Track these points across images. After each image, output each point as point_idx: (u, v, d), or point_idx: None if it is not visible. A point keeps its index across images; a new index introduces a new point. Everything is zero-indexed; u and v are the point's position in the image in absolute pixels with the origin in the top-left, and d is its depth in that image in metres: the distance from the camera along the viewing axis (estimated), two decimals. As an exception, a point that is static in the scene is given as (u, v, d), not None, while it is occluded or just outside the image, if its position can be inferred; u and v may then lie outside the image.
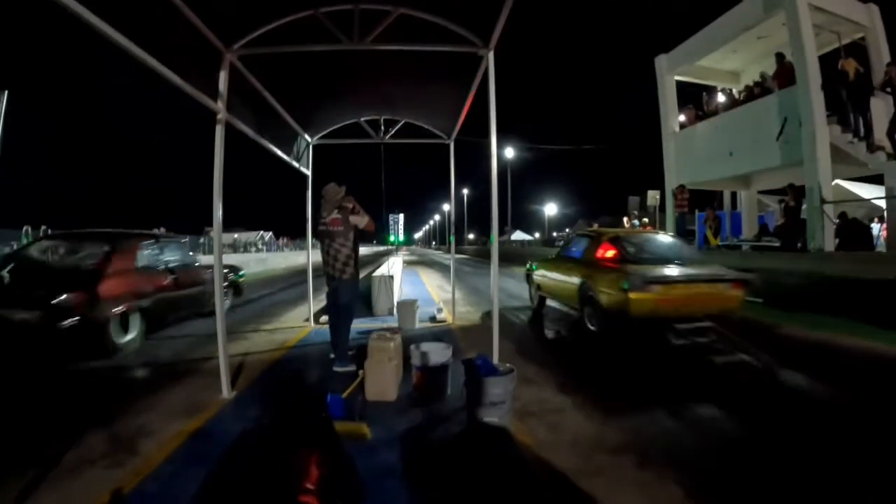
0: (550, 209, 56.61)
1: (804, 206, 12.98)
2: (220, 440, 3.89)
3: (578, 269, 8.66)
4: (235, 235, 49.51)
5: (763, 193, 19.31)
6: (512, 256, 35.45)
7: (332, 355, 6.14)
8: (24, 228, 17.67)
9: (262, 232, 53.42)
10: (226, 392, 4.94)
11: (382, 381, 4.81)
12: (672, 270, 7.23)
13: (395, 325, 8.29)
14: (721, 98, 17.15)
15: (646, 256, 7.84)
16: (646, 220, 21.98)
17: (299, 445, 3.20)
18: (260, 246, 45.32)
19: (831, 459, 3.53)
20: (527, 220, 74.28)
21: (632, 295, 6.74)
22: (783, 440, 3.90)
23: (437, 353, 4.82)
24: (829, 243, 11.78)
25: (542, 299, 10.96)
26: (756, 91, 15.41)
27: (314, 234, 6.10)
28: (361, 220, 6.02)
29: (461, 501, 2.93)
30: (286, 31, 5.27)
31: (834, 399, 4.93)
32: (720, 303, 7.12)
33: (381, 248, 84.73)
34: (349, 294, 6.14)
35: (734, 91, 17.37)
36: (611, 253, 8.10)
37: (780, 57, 13.77)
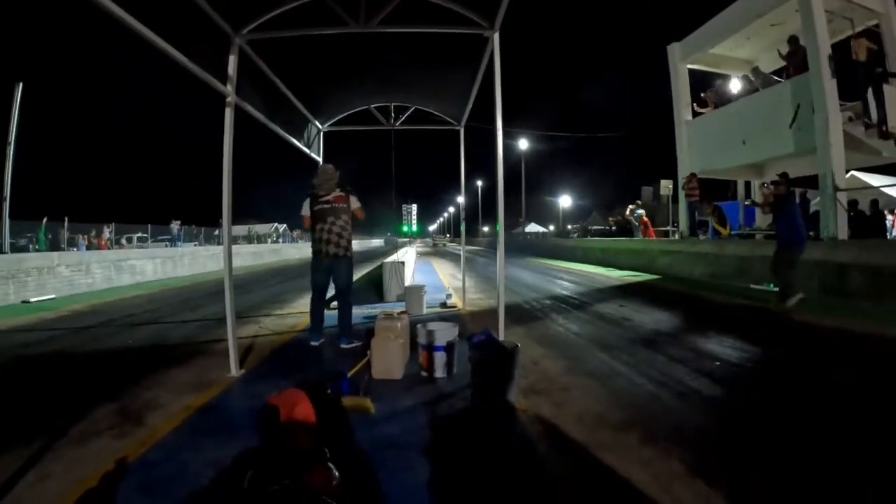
0: (565, 201, 56.25)
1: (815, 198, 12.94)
2: (227, 414, 3.98)
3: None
4: (250, 227, 49.75)
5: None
6: (525, 248, 35.43)
7: (312, 338, 6.30)
8: (44, 220, 18.03)
9: (276, 224, 53.62)
10: (234, 370, 5.02)
11: (388, 359, 4.85)
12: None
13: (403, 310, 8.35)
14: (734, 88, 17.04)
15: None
16: (642, 211, 21.85)
17: (305, 418, 3.29)
18: (275, 237, 45.66)
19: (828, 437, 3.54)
20: (541, 212, 73.78)
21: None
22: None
23: (444, 332, 4.82)
24: (843, 231, 11.68)
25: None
26: (748, 84, 15.44)
27: (312, 216, 6.15)
28: (357, 203, 6.17)
29: (463, 473, 2.96)
30: (294, 15, 5.32)
31: (838, 382, 4.93)
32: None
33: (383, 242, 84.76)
34: (349, 273, 6.27)
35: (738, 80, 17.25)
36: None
37: (793, 41, 13.60)
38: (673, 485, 2.82)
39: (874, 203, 13.40)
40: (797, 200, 12.91)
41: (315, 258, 6.18)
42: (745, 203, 16.47)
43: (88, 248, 18.95)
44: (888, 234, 18.76)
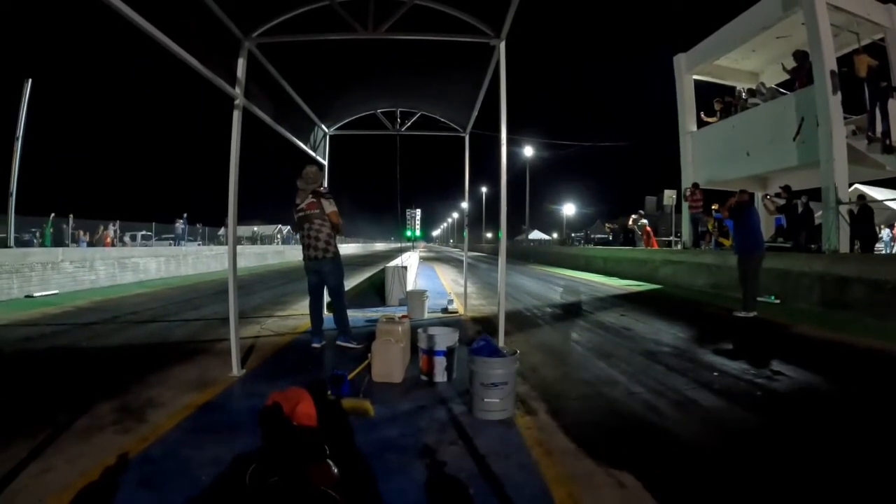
0: (569, 209, 56.17)
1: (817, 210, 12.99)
2: (229, 412, 4.03)
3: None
4: (255, 228, 49.88)
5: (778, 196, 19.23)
6: (528, 255, 35.47)
7: (313, 340, 6.40)
8: (51, 216, 18.15)
9: (279, 226, 53.65)
10: (236, 370, 5.07)
11: (389, 362, 4.89)
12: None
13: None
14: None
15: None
16: (645, 221, 21.89)
17: (307, 415, 3.34)
18: (279, 239, 45.78)
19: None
20: (545, 220, 73.84)
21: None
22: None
23: (444, 337, 4.86)
24: (845, 244, 11.71)
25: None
26: (747, 101, 15.57)
27: (293, 226, 6.34)
28: (329, 206, 6.19)
29: (459, 477, 3.00)
30: (303, 20, 5.40)
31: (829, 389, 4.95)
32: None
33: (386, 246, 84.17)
34: (337, 273, 6.37)
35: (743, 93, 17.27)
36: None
37: (798, 55, 13.66)
38: (665, 494, 2.85)
39: (860, 198, 13.40)
40: (800, 209, 13.05)
41: (305, 262, 6.35)
42: (713, 208, 16.57)
43: (90, 245, 19.01)
44: (887, 247, 18.79)
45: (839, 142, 11.88)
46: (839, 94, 12.06)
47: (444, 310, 9.47)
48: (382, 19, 5.41)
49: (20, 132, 14.74)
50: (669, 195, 20.76)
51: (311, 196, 6.14)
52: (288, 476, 2.34)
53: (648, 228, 21.15)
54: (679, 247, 19.63)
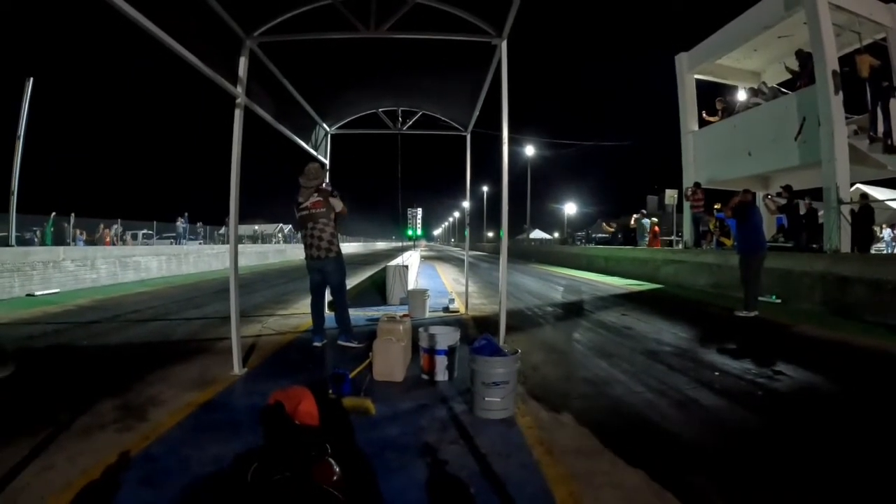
0: (570, 208, 56.02)
1: (820, 210, 12.95)
2: (230, 411, 4.03)
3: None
4: (256, 227, 49.87)
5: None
6: (529, 254, 35.47)
7: (314, 339, 6.42)
8: (52, 214, 18.16)
9: (281, 224, 53.65)
10: (237, 368, 5.08)
11: (390, 361, 4.90)
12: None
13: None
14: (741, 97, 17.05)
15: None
16: (654, 219, 21.85)
17: (309, 414, 3.35)
18: (280, 238, 45.79)
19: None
20: (546, 219, 73.67)
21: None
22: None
23: (446, 336, 4.86)
24: (846, 244, 11.69)
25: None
26: (754, 98, 15.52)
27: (295, 225, 6.36)
28: (339, 204, 6.21)
29: (459, 475, 3.00)
30: (305, 19, 5.39)
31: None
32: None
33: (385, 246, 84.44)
34: (339, 272, 6.38)
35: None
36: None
37: (801, 55, 13.65)
38: (666, 493, 2.85)
39: (863, 198, 13.37)
40: (803, 211, 13.06)
41: (307, 261, 6.34)
42: (715, 207, 16.59)
43: (88, 244, 18.99)
44: (888, 247, 18.76)
45: (841, 141, 11.87)
46: (841, 94, 12.04)
47: (446, 309, 9.47)
48: (384, 18, 5.41)
49: (21, 131, 14.75)
50: (671, 195, 20.70)
51: (315, 194, 6.13)
52: (290, 475, 2.34)
53: (657, 228, 21.04)
54: (680, 246, 19.61)
